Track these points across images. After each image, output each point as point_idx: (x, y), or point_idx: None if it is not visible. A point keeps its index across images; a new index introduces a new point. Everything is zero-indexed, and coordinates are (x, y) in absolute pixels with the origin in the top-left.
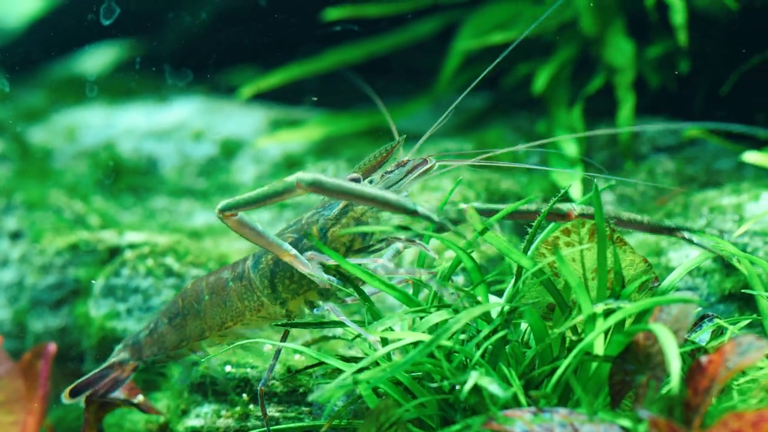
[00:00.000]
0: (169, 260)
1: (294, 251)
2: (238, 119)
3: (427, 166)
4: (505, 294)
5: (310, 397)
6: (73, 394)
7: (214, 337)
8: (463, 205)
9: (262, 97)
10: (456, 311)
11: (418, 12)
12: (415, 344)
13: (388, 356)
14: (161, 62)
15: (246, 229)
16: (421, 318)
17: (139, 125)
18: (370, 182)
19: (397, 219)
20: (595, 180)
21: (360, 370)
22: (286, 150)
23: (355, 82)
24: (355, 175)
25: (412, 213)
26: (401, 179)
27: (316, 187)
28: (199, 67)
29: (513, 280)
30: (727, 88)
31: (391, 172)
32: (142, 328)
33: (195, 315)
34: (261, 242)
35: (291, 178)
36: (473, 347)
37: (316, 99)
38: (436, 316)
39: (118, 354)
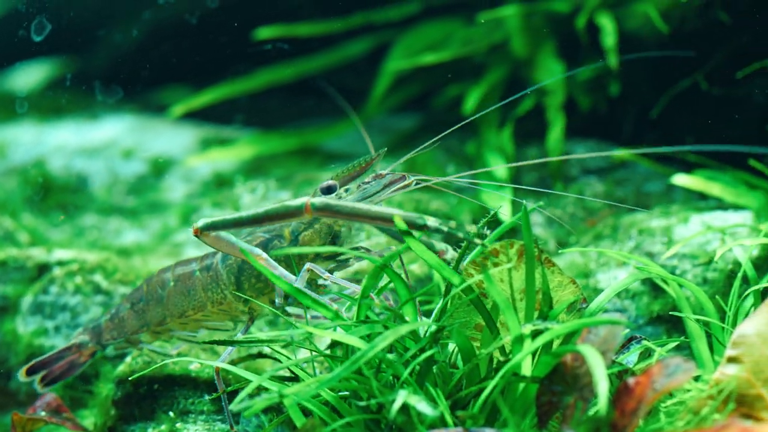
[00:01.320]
0: (98, 278)
1: (264, 255)
2: (168, 137)
3: (405, 182)
4: (433, 313)
5: (233, 406)
6: (29, 372)
7: (174, 324)
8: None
9: (193, 116)
10: (385, 327)
11: (349, 32)
12: (342, 360)
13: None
14: (92, 80)
15: (222, 243)
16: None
17: (69, 142)
18: (347, 191)
19: (372, 229)
20: (524, 201)
21: (285, 379)
22: (216, 168)
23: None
24: (331, 183)
25: (422, 227)
26: (378, 191)
27: (327, 210)
28: (129, 85)
29: (441, 299)
30: (656, 111)
31: (368, 183)
32: (104, 313)
33: (157, 301)
34: (235, 253)
35: (298, 201)
36: (401, 366)
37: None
38: (365, 329)
39: (78, 336)
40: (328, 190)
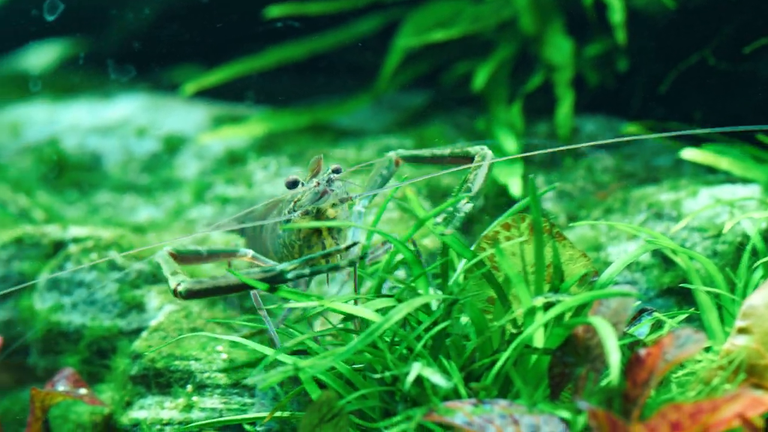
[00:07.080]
0: (113, 254)
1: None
2: (180, 115)
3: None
4: (446, 287)
5: (248, 380)
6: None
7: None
8: (392, 154)
9: (205, 94)
10: (399, 301)
11: (359, 10)
12: (358, 332)
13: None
14: (105, 59)
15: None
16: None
17: (83, 121)
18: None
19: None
20: (531, 175)
21: (300, 353)
22: (228, 146)
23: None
24: (294, 178)
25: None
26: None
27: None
28: (142, 64)
29: (454, 273)
30: (665, 86)
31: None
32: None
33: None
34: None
35: None
36: (414, 339)
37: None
38: (380, 302)
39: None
40: (293, 185)
